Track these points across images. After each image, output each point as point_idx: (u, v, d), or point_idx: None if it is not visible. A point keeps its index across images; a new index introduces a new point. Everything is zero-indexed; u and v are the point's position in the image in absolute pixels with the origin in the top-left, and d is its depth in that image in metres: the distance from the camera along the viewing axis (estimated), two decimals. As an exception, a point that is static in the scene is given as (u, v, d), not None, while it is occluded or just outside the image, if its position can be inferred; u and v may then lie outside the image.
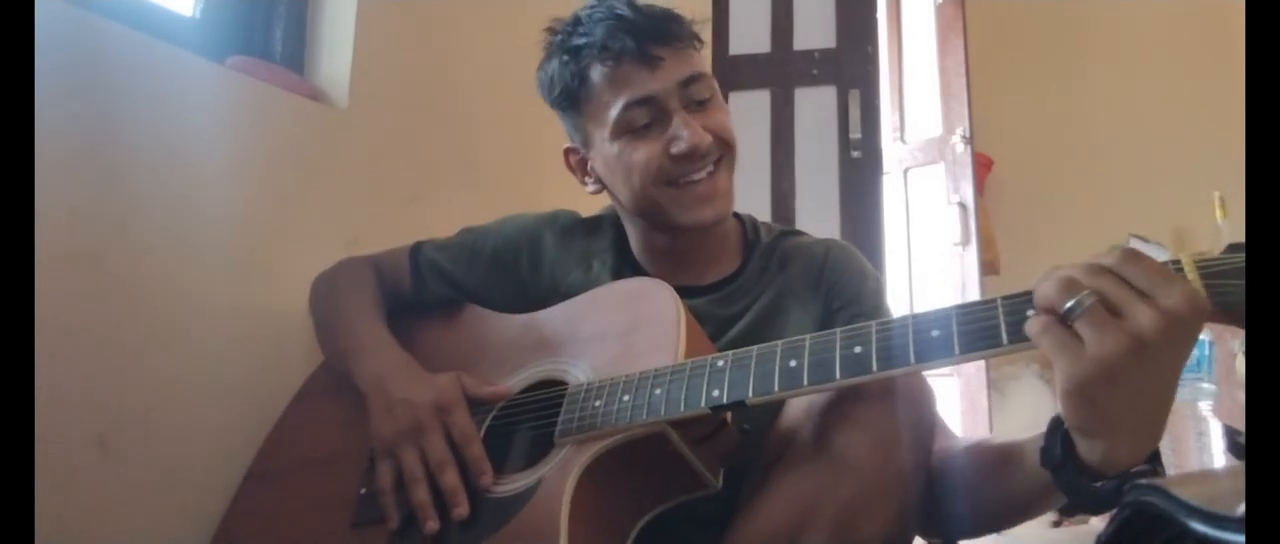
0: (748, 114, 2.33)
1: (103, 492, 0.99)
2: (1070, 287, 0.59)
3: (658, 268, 1.04)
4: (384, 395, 0.91)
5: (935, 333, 0.66)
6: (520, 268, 1.07)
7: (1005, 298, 0.64)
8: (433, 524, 0.83)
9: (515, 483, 0.82)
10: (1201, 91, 3.10)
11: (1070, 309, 0.58)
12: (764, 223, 1.10)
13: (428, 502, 0.84)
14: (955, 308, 0.67)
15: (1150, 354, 0.56)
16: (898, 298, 2.86)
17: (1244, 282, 0.57)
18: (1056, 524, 1.72)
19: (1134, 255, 0.59)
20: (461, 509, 0.83)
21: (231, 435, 1.09)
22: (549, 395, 0.88)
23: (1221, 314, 0.59)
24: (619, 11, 0.94)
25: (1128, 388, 0.57)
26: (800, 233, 1.10)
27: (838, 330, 0.72)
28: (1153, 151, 3.19)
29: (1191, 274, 0.59)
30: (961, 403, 2.62)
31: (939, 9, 2.96)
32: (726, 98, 2.28)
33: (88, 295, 0.99)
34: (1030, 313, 0.61)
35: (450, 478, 0.84)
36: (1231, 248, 0.59)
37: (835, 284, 1.01)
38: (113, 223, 1.03)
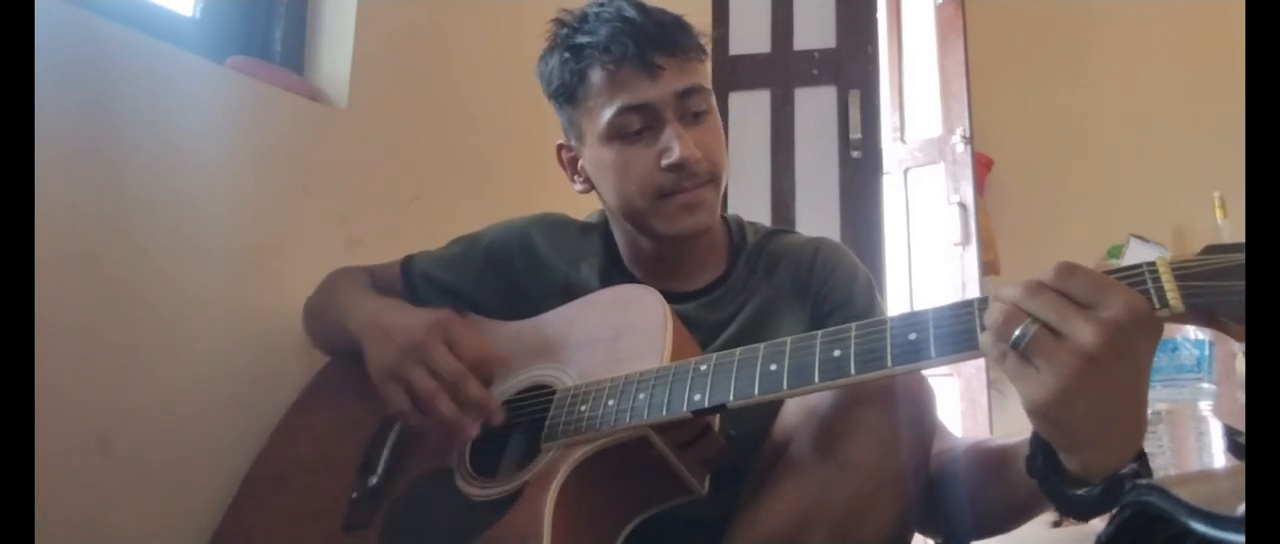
0: (748, 114, 2.33)
1: (103, 492, 0.99)
2: (1012, 317, 0.59)
3: (645, 272, 1.04)
4: (378, 328, 0.90)
5: (913, 336, 0.66)
6: (514, 267, 1.07)
7: (981, 300, 0.64)
8: (472, 428, 0.82)
9: (501, 486, 0.82)
10: (1201, 91, 3.10)
11: (1016, 341, 0.58)
12: (751, 223, 1.10)
13: (455, 410, 0.82)
14: (932, 310, 0.67)
15: (1100, 368, 0.56)
16: (898, 298, 2.86)
17: (1217, 283, 0.57)
18: (1056, 524, 1.71)
19: (1071, 268, 0.59)
20: (497, 416, 0.83)
21: (231, 435, 1.09)
22: (537, 399, 0.88)
23: (1195, 316, 0.59)
24: (626, 14, 0.93)
25: (1087, 405, 0.57)
26: (789, 231, 1.10)
27: (819, 333, 0.72)
28: (1153, 151, 3.19)
29: (1166, 277, 0.59)
30: (961, 403, 2.62)
31: (939, 9, 2.96)
32: (726, 98, 2.31)
33: (87, 295, 0.99)
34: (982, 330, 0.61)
35: (472, 388, 0.82)
36: (1208, 250, 0.59)
37: (824, 287, 1.00)
38: (112, 223, 1.03)
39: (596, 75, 0.94)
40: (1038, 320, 0.58)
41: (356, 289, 1.07)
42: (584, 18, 0.97)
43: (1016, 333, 0.58)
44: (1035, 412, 0.59)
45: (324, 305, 1.09)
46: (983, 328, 0.62)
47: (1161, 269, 0.59)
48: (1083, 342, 0.56)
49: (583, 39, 0.95)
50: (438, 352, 0.83)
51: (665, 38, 0.93)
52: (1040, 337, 0.57)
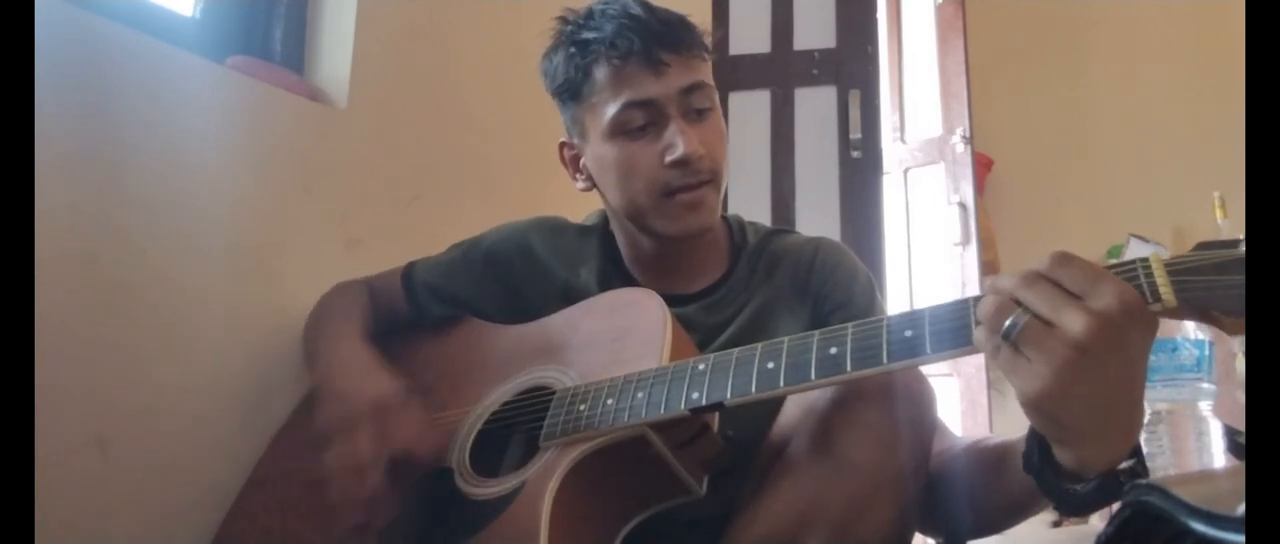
0: (748, 114, 2.33)
1: (103, 492, 0.99)
2: (1003, 308, 0.59)
3: (645, 274, 1.04)
4: (331, 388, 0.91)
5: (908, 333, 0.67)
6: (513, 272, 1.07)
7: (977, 298, 0.64)
8: (358, 516, 0.82)
9: (500, 486, 0.82)
10: (1201, 91, 3.10)
11: (1007, 332, 0.58)
12: (751, 223, 1.10)
13: (349, 494, 0.82)
14: (929, 309, 0.67)
15: (1092, 359, 0.56)
16: (898, 298, 2.86)
17: (1210, 278, 0.57)
18: (1056, 524, 1.72)
19: (1066, 258, 0.59)
20: (378, 520, 0.82)
21: (231, 436, 1.09)
22: (537, 399, 0.88)
23: (1188, 311, 0.59)
24: (632, 11, 0.94)
25: (1080, 398, 0.57)
26: (789, 231, 1.10)
27: (816, 333, 0.73)
28: (1153, 151, 3.19)
29: (1159, 272, 0.59)
30: (961, 403, 2.62)
31: (939, 9, 2.96)
32: (727, 98, 2.31)
33: (87, 295, 0.99)
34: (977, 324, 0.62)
35: (372, 481, 0.81)
36: (1201, 246, 0.60)
37: (823, 287, 1.00)
38: (112, 223, 1.03)
39: (601, 71, 0.94)
40: (1029, 310, 0.58)
41: (336, 325, 1.05)
42: (589, 15, 0.97)
43: (1007, 323, 0.58)
44: (1029, 404, 0.59)
45: (312, 328, 1.09)
46: (977, 323, 0.62)
47: (1154, 264, 0.60)
48: (1073, 331, 0.56)
49: (588, 35, 0.95)
50: (360, 435, 0.83)
51: (671, 35, 0.94)
52: (1031, 327, 0.57)
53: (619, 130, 0.94)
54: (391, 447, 0.84)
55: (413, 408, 0.88)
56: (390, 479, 0.82)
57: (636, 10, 0.94)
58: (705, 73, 0.97)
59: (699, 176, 0.94)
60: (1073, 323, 0.56)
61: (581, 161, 1.02)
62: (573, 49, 0.96)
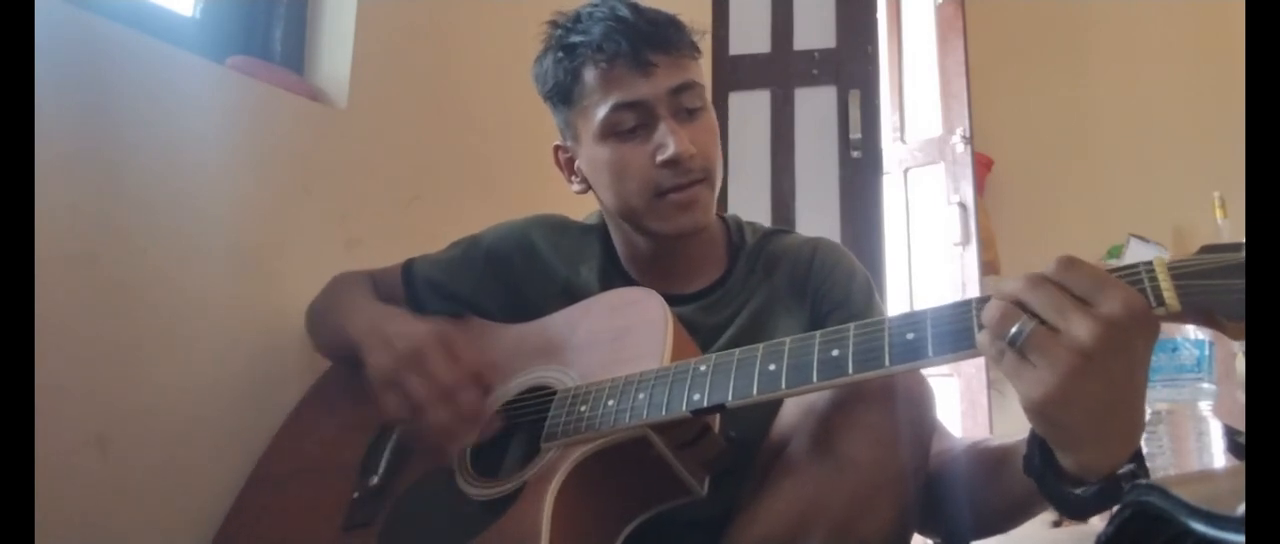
0: (748, 114, 2.33)
1: (103, 492, 0.99)
2: (1009, 314, 0.59)
3: (643, 274, 1.04)
4: (378, 335, 0.89)
5: (910, 335, 0.67)
6: (514, 269, 1.07)
7: (979, 300, 0.64)
8: (467, 437, 0.82)
9: (501, 486, 0.82)
10: (1201, 91, 3.10)
11: (1013, 338, 0.58)
12: (749, 223, 1.10)
13: (450, 419, 0.80)
14: (930, 310, 0.67)
15: (1097, 366, 0.56)
16: (898, 298, 2.86)
17: (1213, 282, 0.57)
18: (1056, 524, 1.72)
19: (1073, 263, 0.59)
20: (492, 425, 0.83)
21: (230, 435, 1.09)
22: (538, 400, 0.88)
23: (1191, 315, 0.59)
24: (619, 13, 0.94)
25: (1084, 403, 0.57)
26: (787, 231, 1.10)
27: (818, 333, 0.73)
28: (1153, 151, 3.19)
29: (1162, 276, 0.59)
30: (961, 403, 2.62)
31: (939, 9, 2.96)
32: (726, 98, 2.31)
33: (87, 295, 0.99)
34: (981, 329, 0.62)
35: (467, 397, 0.81)
36: (1205, 249, 0.60)
37: (821, 287, 1.01)
38: (112, 223, 1.03)
39: (590, 74, 0.94)
40: (1036, 317, 0.58)
41: (359, 295, 1.06)
42: (577, 18, 0.97)
43: (1014, 330, 0.58)
44: (1033, 409, 0.59)
45: (326, 310, 1.09)
46: (980, 326, 0.62)
47: (1158, 269, 0.60)
48: (1080, 338, 0.56)
49: (576, 38, 0.95)
50: (436, 360, 0.82)
51: (658, 35, 0.94)
52: (1037, 333, 0.57)
53: (610, 132, 0.94)
54: (468, 363, 0.83)
55: (472, 326, 0.89)
56: (481, 394, 0.82)
57: (624, 12, 0.94)
58: (695, 72, 0.97)
59: (691, 176, 0.94)
60: (1079, 329, 0.56)
61: (576, 164, 1.02)
62: (561, 53, 0.97)
